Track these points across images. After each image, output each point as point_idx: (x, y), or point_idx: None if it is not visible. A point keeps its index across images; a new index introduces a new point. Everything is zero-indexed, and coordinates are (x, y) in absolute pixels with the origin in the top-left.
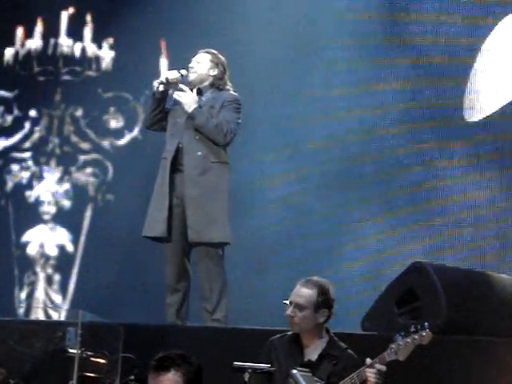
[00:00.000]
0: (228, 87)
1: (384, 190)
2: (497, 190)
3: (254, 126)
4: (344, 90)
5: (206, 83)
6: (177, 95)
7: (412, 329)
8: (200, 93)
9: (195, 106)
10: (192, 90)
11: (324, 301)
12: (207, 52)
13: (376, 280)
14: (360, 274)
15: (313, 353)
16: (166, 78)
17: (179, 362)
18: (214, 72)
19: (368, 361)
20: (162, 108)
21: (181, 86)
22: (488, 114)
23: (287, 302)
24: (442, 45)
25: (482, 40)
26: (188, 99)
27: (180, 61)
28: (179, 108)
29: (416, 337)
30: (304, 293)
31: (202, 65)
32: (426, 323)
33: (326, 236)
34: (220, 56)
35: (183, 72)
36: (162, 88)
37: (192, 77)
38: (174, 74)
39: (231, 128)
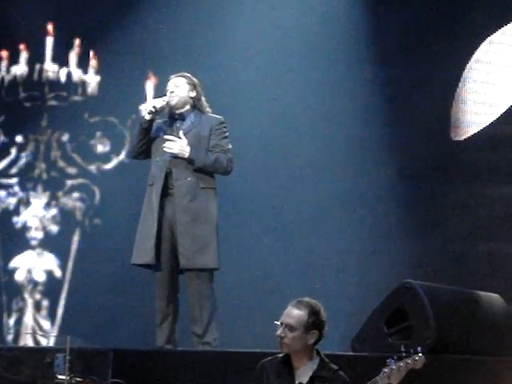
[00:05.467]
0: (208, 109)
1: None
2: None
3: (240, 147)
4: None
5: (188, 106)
6: (167, 148)
7: (404, 351)
8: (182, 118)
9: (188, 148)
10: (174, 115)
11: (314, 322)
12: (181, 76)
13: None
14: (353, 294)
15: (304, 375)
16: (154, 107)
17: None
18: (193, 93)
19: None
20: (148, 137)
21: (166, 136)
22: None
23: (278, 322)
24: None
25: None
26: (179, 147)
27: (165, 84)
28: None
29: (409, 361)
30: (295, 314)
31: (181, 88)
32: (419, 347)
33: (320, 256)
34: (193, 78)
35: (165, 98)
36: (149, 117)
37: (174, 101)
38: (160, 102)
39: (229, 158)
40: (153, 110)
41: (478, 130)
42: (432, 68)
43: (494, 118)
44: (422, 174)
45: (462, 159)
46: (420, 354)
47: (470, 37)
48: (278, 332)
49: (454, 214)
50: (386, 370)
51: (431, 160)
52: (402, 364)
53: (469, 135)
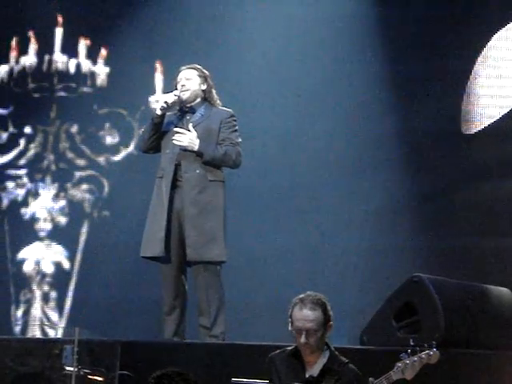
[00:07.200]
0: (218, 102)
1: None
2: None
3: (249, 140)
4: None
5: (199, 99)
6: (176, 141)
7: (417, 345)
8: (192, 111)
9: (198, 141)
10: (184, 108)
11: (328, 316)
12: (192, 68)
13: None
14: (362, 287)
15: (314, 368)
16: (166, 102)
17: (178, 380)
18: (204, 86)
19: (371, 380)
20: (159, 132)
21: (175, 129)
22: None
23: (292, 329)
24: None
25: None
26: (188, 140)
27: (176, 76)
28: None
29: (423, 356)
30: (312, 316)
31: (192, 81)
32: (434, 342)
33: (329, 250)
34: (204, 69)
35: (176, 93)
36: (160, 113)
37: (186, 95)
38: (171, 97)
39: (238, 151)
40: (165, 105)
41: (489, 123)
42: (443, 62)
43: (505, 112)
44: (432, 168)
45: (472, 152)
46: (434, 349)
47: (480, 31)
48: (302, 340)
49: (464, 208)
50: (400, 365)
51: (441, 154)
52: (416, 359)
53: (479, 129)
